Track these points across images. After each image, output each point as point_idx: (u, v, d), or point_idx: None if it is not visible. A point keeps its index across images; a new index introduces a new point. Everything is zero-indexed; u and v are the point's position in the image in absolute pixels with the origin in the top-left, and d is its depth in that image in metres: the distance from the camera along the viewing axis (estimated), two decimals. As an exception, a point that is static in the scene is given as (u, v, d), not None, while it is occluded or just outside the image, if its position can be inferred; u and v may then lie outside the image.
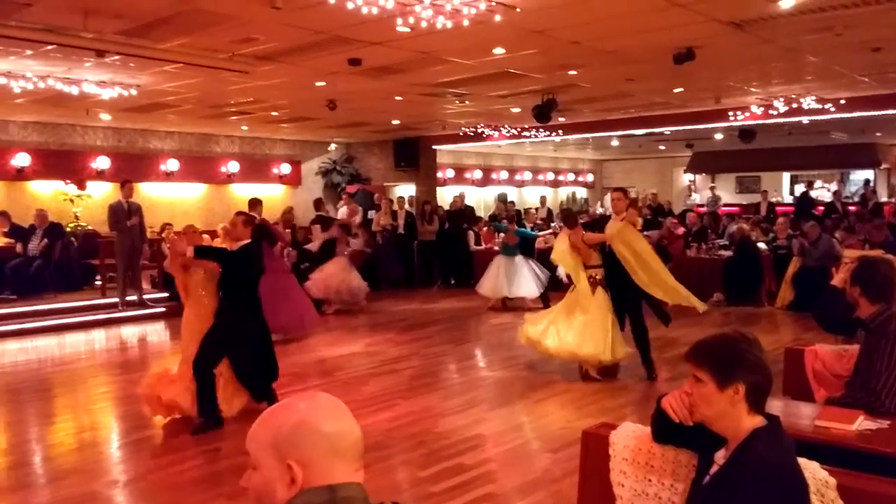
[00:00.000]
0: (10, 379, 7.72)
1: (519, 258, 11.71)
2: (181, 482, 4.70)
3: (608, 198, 23.37)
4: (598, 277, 7.27)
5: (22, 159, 13.04)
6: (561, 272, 12.15)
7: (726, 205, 19.96)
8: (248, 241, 5.89)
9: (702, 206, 19.40)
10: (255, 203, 9.06)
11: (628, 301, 7.29)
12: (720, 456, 2.18)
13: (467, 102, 11.69)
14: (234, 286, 5.83)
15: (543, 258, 11.42)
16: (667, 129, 14.99)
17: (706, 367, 2.12)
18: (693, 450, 2.36)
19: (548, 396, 6.66)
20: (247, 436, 1.37)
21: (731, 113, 12.53)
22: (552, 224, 15.64)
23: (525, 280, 11.58)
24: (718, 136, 16.61)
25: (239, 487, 4.19)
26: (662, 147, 20.47)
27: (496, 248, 13.86)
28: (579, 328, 7.03)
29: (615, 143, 18.52)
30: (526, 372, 7.73)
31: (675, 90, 10.92)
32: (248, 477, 1.33)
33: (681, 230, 13.87)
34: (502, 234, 12.17)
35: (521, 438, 5.57)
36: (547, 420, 5.98)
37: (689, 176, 22.95)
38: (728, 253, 12.35)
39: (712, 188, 21.02)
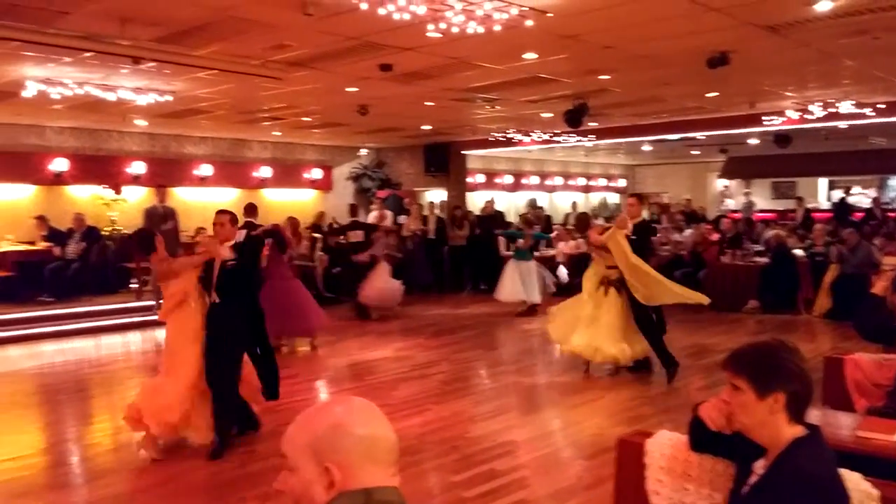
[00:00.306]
0: (49, 380, 7.86)
1: (532, 263, 11.85)
2: (216, 483, 4.74)
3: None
4: (612, 278, 7.37)
5: (60, 164, 13.30)
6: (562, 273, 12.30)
7: (761, 210, 19.68)
8: (240, 240, 5.78)
9: (736, 211, 19.14)
10: (251, 208, 9.08)
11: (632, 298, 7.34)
12: (759, 466, 2.13)
13: (498, 107, 11.67)
14: (239, 287, 5.52)
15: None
16: (700, 134, 14.82)
17: (745, 375, 2.08)
18: (731, 459, 2.32)
19: (580, 403, 6.60)
20: (283, 438, 1.37)
21: (766, 118, 12.34)
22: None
23: (538, 284, 11.76)
24: (753, 141, 16.38)
25: (273, 489, 4.21)
26: (696, 152, 20.25)
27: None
28: (598, 329, 7.32)
29: (647, 147, 18.36)
30: (557, 378, 7.68)
31: (709, 95, 10.80)
32: (283, 479, 1.34)
33: (715, 236, 13.70)
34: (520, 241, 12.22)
35: (554, 445, 5.53)
36: (579, 427, 5.93)
37: (724, 181, 22.67)
38: (764, 259, 12.17)
39: (747, 193, 20.74)
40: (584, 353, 7.42)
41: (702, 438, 2.33)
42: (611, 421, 6.00)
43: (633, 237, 7.33)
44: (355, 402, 1.38)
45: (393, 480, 1.32)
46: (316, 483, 1.29)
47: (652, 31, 6.96)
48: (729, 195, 22.68)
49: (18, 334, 9.79)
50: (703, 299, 7.36)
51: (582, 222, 8.13)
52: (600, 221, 19.47)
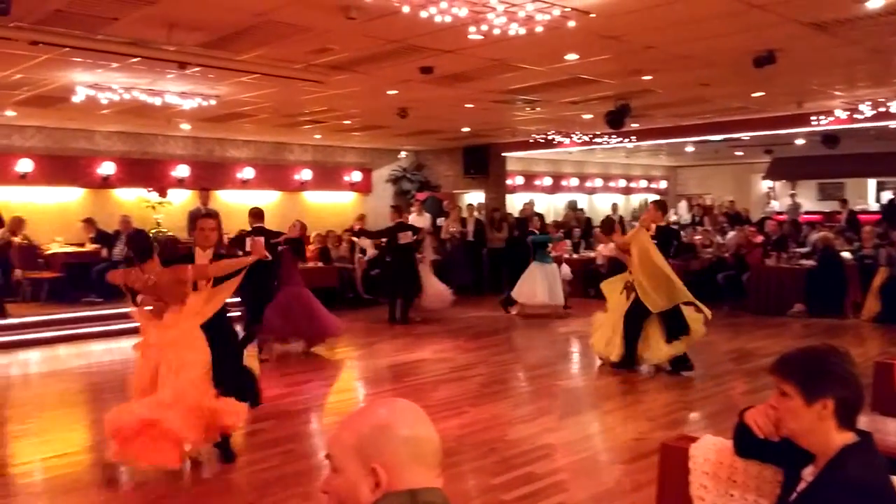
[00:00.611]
0: (96, 379, 8.04)
1: (554, 266, 11.96)
2: (259, 481, 4.79)
3: (682, 205, 22.86)
4: (632, 282, 7.63)
5: (107, 168, 13.60)
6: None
7: (807, 212, 19.26)
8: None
9: (781, 213, 18.77)
10: (257, 213, 9.22)
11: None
12: (808, 473, 2.09)
13: (538, 109, 11.63)
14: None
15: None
16: (745, 135, 14.57)
17: (793, 380, 2.04)
18: (778, 465, 2.27)
19: (619, 407, 6.54)
20: (329, 439, 1.38)
21: (813, 118, 12.08)
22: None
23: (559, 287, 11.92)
24: (800, 142, 16.04)
25: (313, 487, 4.24)
26: (740, 153, 19.90)
27: (565, 255, 13.82)
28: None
29: (690, 149, 18.10)
30: (596, 381, 7.62)
31: (755, 94, 10.61)
32: (328, 480, 1.35)
33: (759, 238, 13.46)
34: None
35: (593, 449, 5.49)
36: (618, 431, 5.88)
37: (768, 182, 22.23)
38: (809, 262, 11.92)
39: (792, 195, 20.31)
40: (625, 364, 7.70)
41: (748, 444, 2.28)
42: (650, 425, 5.93)
43: (655, 241, 7.57)
44: (400, 403, 1.38)
45: (437, 482, 1.32)
46: (362, 484, 1.29)
47: (696, 31, 6.86)
48: (774, 197, 22.24)
49: (67, 334, 10.04)
50: (707, 314, 7.56)
51: (607, 226, 8.25)
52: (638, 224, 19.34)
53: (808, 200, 21.07)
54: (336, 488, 1.33)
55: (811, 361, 2.05)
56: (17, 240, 10.82)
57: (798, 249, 12.81)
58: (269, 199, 16.05)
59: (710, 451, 2.43)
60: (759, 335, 10.02)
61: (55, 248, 12.07)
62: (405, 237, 11.25)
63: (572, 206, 19.41)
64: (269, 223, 15.44)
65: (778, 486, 2.24)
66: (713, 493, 2.38)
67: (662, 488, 2.65)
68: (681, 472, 2.47)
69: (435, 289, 11.75)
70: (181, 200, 14.24)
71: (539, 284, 11.64)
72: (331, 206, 17.03)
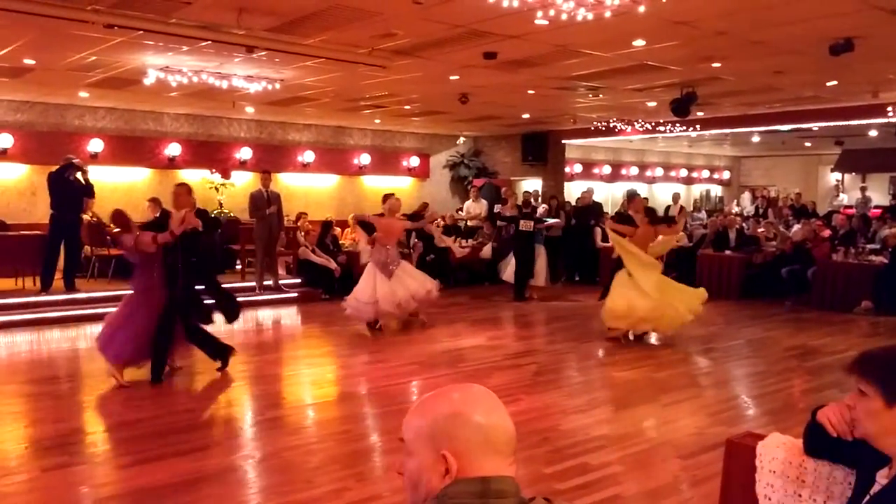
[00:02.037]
0: (159, 353, 8.26)
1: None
2: (313, 461, 4.87)
3: (746, 196, 22.30)
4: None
5: (174, 149, 13.96)
6: None
7: (877, 207, 18.56)
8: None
9: (850, 207, 18.14)
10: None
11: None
12: (882, 475, 2.01)
13: (601, 96, 11.46)
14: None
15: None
16: (815, 125, 14.10)
17: (874, 380, 1.96)
18: (851, 466, 2.19)
19: (677, 401, 6.43)
20: (403, 423, 1.39)
21: (890, 108, 11.62)
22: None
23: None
24: (873, 133, 15.46)
25: (367, 468, 4.29)
26: (808, 144, 19.28)
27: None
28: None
29: (756, 139, 17.62)
30: (653, 373, 7.51)
31: (829, 83, 10.25)
32: (402, 463, 1.35)
33: (826, 232, 13.05)
34: None
35: (649, 442, 5.40)
36: (676, 425, 5.77)
37: (837, 175, 21.50)
38: (879, 258, 11.50)
39: (863, 188, 19.59)
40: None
41: (820, 443, 2.21)
42: (709, 421, 5.81)
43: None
44: (474, 389, 1.38)
45: (509, 470, 1.32)
46: (432, 470, 1.29)
47: (770, 16, 6.64)
48: (842, 190, 21.50)
49: (133, 309, 10.33)
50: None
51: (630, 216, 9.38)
52: (702, 214, 18.93)
53: (880, 194, 20.31)
54: (410, 471, 1.34)
55: (894, 362, 1.97)
56: (86, 217, 11.19)
57: (867, 245, 12.38)
58: (328, 183, 16.27)
59: (778, 449, 2.37)
60: (824, 332, 9.73)
61: (123, 226, 12.41)
62: (526, 225, 12.18)
63: (631, 196, 19.05)
64: (328, 206, 15.76)
65: (849, 488, 2.17)
66: (780, 493, 2.31)
67: (727, 485, 2.60)
68: (746, 470, 2.41)
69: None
70: (243, 182, 14.52)
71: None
72: (388, 191, 17.10)
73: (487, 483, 1.26)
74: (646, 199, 11.69)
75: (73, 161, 10.29)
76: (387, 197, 9.90)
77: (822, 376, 7.32)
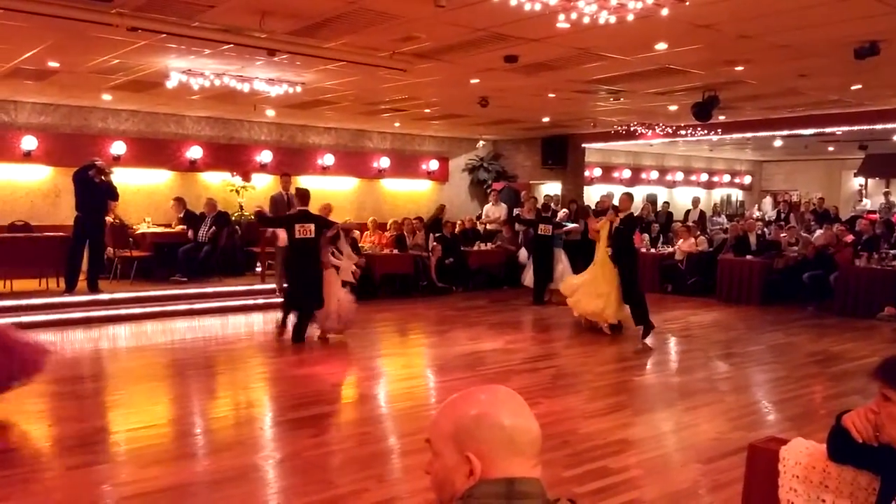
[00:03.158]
0: (180, 355, 8.35)
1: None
2: (333, 462, 4.89)
3: (767, 201, 22.11)
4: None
5: (195, 152, 14.08)
6: None
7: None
8: None
9: (873, 212, 17.92)
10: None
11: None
12: (908, 481, 2.00)
13: (622, 99, 11.43)
14: None
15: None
16: (839, 129, 13.96)
17: (898, 385, 1.95)
18: (875, 472, 2.17)
19: (697, 405, 6.39)
20: (429, 424, 1.40)
21: (915, 112, 11.50)
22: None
23: None
24: (897, 138, 15.29)
25: (386, 470, 4.31)
26: (831, 148, 19.08)
27: (643, 248, 13.61)
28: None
29: (778, 143, 17.46)
30: (673, 378, 7.48)
31: (853, 87, 10.14)
32: (430, 463, 1.36)
33: (849, 238, 12.90)
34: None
35: (669, 447, 5.38)
36: (696, 430, 5.74)
37: (860, 180, 21.26)
38: (904, 264, 11.37)
39: (886, 193, 19.36)
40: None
41: (844, 448, 2.19)
42: (729, 425, 5.77)
43: (621, 227, 9.23)
44: (500, 391, 1.38)
45: (534, 471, 1.32)
46: (456, 471, 1.30)
47: (795, 20, 6.59)
48: (865, 195, 21.25)
49: (154, 311, 10.45)
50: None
51: (583, 211, 10.47)
52: (723, 219, 18.80)
53: (904, 200, 20.04)
54: (436, 471, 1.35)
55: (919, 367, 1.96)
56: (109, 219, 11.32)
57: (891, 251, 12.23)
58: (347, 186, 16.32)
59: (801, 454, 2.35)
60: (846, 338, 9.63)
61: (144, 228, 12.56)
62: (545, 229, 12.28)
63: (652, 200, 19.01)
64: (346, 210, 15.80)
65: (873, 493, 2.15)
66: (803, 498, 2.30)
67: (749, 490, 2.58)
68: (769, 475, 2.39)
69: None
70: (264, 185, 14.61)
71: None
72: (407, 194, 17.18)
73: (512, 484, 1.27)
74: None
75: (96, 163, 10.41)
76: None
77: (845, 382, 7.24)
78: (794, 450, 2.37)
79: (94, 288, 10.45)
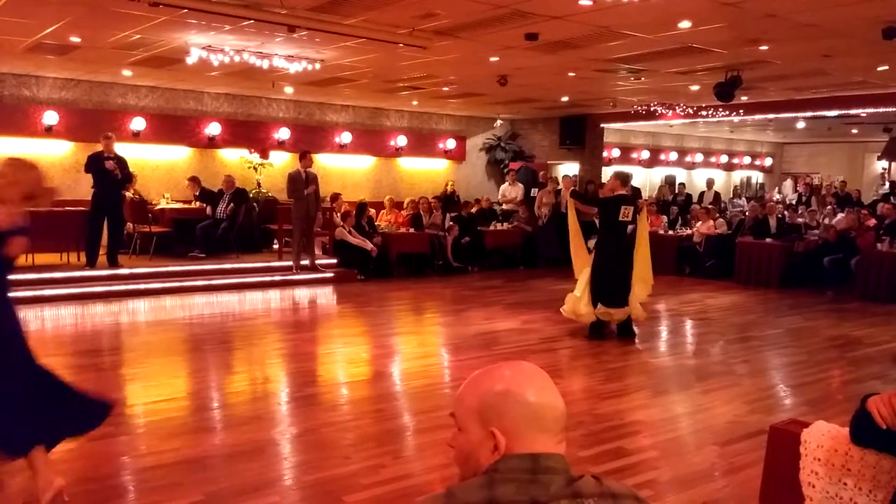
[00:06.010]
0: (197, 330, 8.42)
1: None
2: (349, 438, 4.92)
3: (787, 184, 21.87)
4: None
5: (214, 128, 14.10)
6: None
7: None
8: None
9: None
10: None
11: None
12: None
13: (642, 79, 11.30)
14: None
15: None
16: (863, 111, 13.74)
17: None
18: (898, 457, 2.15)
19: (714, 388, 6.36)
20: (454, 398, 1.39)
21: (941, 95, 11.28)
22: None
23: None
24: (923, 121, 15.04)
25: (403, 446, 4.33)
26: (855, 130, 18.81)
27: (661, 230, 13.50)
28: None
29: (801, 125, 17.23)
30: (690, 360, 7.45)
31: (879, 68, 9.96)
32: (454, 437, 1.36)
33: (872, 222, 12.75)
34: None
35: (685, 429, 5.36)
36: (713, 412, 5.72)
37: (884, 163, 20.96)
38: (926, 249, 11.22)
39: (910, 177, 19.12)
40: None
41: (867, 432, 2.17)
42: (747, 408, 5.74)
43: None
44: (525, 367, 1.37)
45: (559, 448, 1.32)
46: (481, 446, 1.30)
47: (821, -2, 6.47)
48: (889, 178, 20.96)
49: (173, 286, 10.53)
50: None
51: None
52: (742, 201, 18.62)
53: (929, 183, 19.75)
54: (460, 445, 1.35)
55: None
56: (129, 195, 11.39)
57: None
58: (364, 164, 16.31)
59: (823, 437, 2.33)
60: (867, 322, 9.54)
61: (163, 204, 12.64)
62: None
63: (670, 181, 18.82)
64: (363, 188, 15.83)
65: (895, 478, 2.13)
66: (825, 481, 2.28)
67: (769, 472, 2.57)
68: (789, 457, 2.38)
69: None
70: (281, 162, 14.63)
71: None
72: (424, 173, 17.15)
73: (537, 459, 1.27)
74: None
75: (106, 156, 10.37)
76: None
77: (864, 367, 7.19)
78: (815, 433, 2.36)
79: (113, 263, 10.54)
